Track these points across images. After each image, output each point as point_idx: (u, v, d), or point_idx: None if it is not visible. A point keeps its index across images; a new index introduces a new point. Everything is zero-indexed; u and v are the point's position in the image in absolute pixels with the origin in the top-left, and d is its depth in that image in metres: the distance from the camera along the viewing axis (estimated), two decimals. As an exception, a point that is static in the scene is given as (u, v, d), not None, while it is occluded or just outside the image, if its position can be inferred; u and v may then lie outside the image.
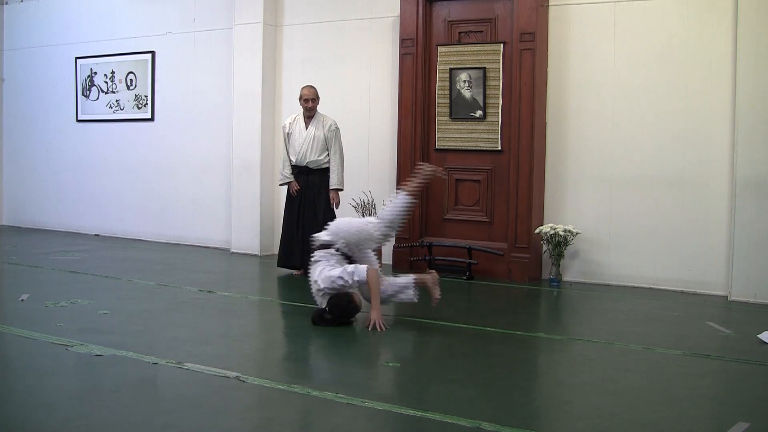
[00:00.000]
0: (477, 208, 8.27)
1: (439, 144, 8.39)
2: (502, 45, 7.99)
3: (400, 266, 8.44)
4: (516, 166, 7.89)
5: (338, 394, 3.99)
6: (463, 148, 8.24)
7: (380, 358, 5.02)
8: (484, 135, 8.12)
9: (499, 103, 8.00)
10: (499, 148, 8.03)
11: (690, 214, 7.52)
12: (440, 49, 8.32)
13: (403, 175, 8.46)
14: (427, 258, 8.16)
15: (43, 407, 3.71)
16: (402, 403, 3.91)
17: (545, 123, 8.01)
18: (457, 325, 5.77)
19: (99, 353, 4.68)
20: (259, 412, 3.81)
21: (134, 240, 10.71)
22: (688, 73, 7.47)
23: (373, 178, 8.93)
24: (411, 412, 3.76)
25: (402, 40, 8.50)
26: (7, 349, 4.86)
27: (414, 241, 8.36)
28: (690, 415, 3.87)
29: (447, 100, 8.25)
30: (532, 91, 7.79)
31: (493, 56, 8.04)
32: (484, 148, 8.12)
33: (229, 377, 4.26)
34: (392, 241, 8.47)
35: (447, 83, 8.23)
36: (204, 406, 3.80)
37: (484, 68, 8.05)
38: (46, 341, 4.95)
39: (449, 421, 3.63)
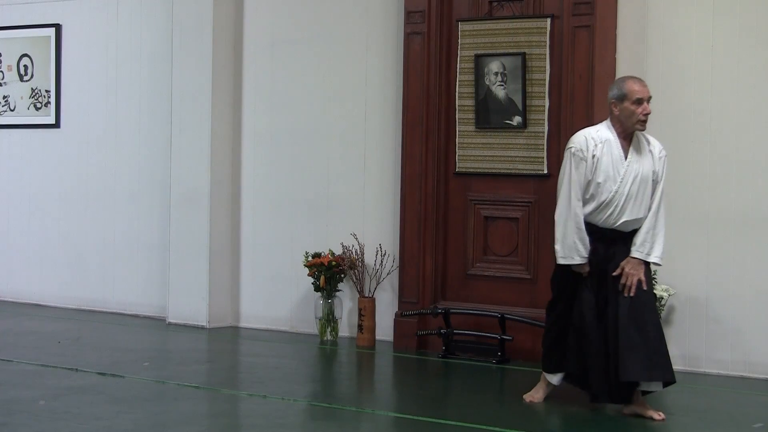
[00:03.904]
0: (514, 259, 7.16)
1: (461, 165, 7.27)
2: (549, 20, 6.84)
3: (403, 343, 7.12)
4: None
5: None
6: (494, 171, 7.18)
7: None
8: (523, 152, 7.12)
9: (545, 106, 6.90)
10: (545, 172, 6.97)
11: None
12: (462, 26, 7.16)
13: (408, 211, 7.14)
14: (442, 331, 6.90)
15: None
16: None
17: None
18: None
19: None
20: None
21: (30, 305, 9.18)
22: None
23: (370, 215, 7.54)
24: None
25: (408, 14, 7.26)
26: None
27: (424, 307, 7.12)
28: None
29: (472, 102, 7.11)
30: (591, 88, 6.66)
31: (536, 36, 6.94)
32: (525, 172, 7.06)
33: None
34: (392, 307, 7.22)
35: (472, 77, 7.08)
36: None
37: (524, 54, 6.89)
38: None
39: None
